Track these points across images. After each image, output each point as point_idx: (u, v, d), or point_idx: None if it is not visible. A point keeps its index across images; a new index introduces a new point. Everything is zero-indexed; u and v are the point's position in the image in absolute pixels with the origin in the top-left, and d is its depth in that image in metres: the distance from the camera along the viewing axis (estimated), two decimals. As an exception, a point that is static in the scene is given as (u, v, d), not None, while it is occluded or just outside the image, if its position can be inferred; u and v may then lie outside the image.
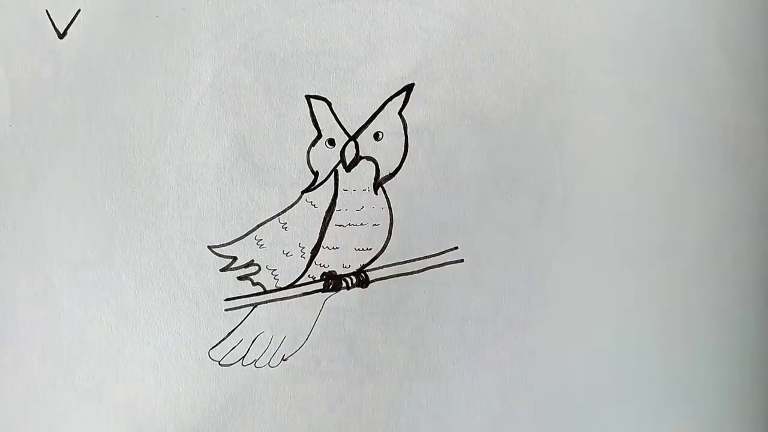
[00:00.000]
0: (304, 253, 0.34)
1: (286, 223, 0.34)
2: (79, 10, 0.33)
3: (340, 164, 0.34)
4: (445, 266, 0.34)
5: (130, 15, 0.33)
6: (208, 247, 0.34)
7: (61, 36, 0.33)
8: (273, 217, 0.34)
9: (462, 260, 0.34)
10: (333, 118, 0.34)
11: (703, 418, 0.35)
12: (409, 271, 0.34)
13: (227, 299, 0.34)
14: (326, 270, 0.34)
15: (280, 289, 0.34)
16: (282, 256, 0.34)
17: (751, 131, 0.34)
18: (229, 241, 0.34)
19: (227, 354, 0.34)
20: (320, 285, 0.34)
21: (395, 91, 0.33)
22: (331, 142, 0.34)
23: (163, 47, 0.33)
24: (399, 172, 0.34)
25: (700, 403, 0.35)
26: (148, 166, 0.34)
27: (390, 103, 0.34)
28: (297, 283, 0.34)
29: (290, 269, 0.34)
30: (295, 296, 0.34)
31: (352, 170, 0.34)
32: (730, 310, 0.35)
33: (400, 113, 0.34)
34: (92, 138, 0.33)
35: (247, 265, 0.34)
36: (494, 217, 0.34)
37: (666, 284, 0.35)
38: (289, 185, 0.34)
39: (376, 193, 0.34)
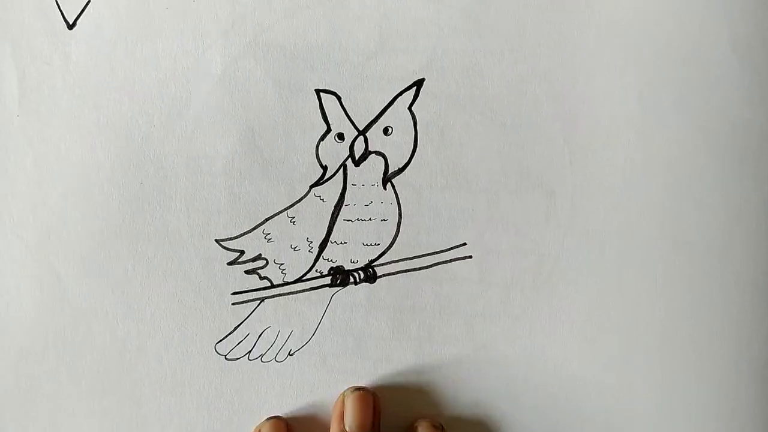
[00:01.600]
0: (312, 247, 0.34)
1: (294, 218, 0.34)
2: (88, 1, 0.33)
3: (349, 159, 0.34)
4: (454, 262, 0.34)
5: (140, 6, 0.33)
6: (216, 240, 0.34)
7: (71, 27, 0.33)
8: (281, 211, 0.34)
9: (470, 256, 0.34)
10: (342, 112, 0.33)
11: (708, 416, 0.35)
12: (417, 266, 0.34)
13: (234, 293, 0.34)
14: (334, 265, 0.34)
15: (288, 283, 0.34)
16: (290, 251, 0.34)
17: (759, 131, 0.34)
18: (237, 234, 0.34)
19: (233, 348, 0.34)
20: (328, 280, 0.34)
21: (405, 86, 0.33)
22: (341, 136, 0.34)
23: (173, 39, 0.33)
24: (408, 168, 0.34)
25: (705, 401, 0.35)
26: (156, 159, 0.33)
27: (400, 98, 0.33)
28: (304, 278, 0.34)
29: (298, 264, 0.34)
30: (303, 291, 0.34)
31: (361, 165, 0.34)
32: (737, 309, 0.35)
33: (410, 108, 0.34)
34: (100, 129, 0.33)
35: (254, 259, 0.34)
36: (503, 214, 0.34)
37: (673, 282, 0.34)
38: (298, 179, 0.34)
39: (384, 188, 0.34)
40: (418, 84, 0.33)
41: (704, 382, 0.35)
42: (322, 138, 0.34)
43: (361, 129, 0.34)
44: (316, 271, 0.34)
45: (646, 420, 0.35)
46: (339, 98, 0.33)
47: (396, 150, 0.34)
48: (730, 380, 0.35)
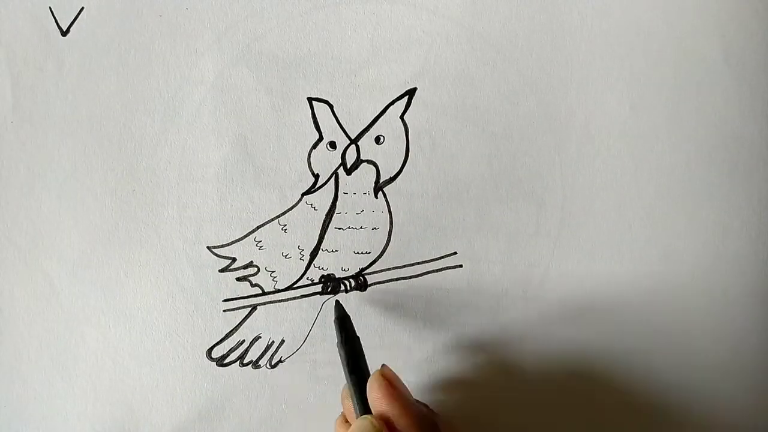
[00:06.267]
0: (303, 255, 0.34)
1: (285, 225, 0.34)
2: (82, 8, 0.33)
3: (341, 167, 0.34)
4: (444, 271, 0.34)
5: (133, 13, 0.33)
6: (208, 247, 0.34)
7: (64, 33, 0.33)
8: (273, 219, 0.34)
9: (461, 265, 0.34)
10: (334, 120, 0.34)
11: (702, 428, 0.35)
12: (408, 275, 0.34)
13: (226, 300, 0.34)
14: (325, 273, 0.34)
15: (279, 290, 0.34)
16: (281, 258, 0.34)
17: (751, 141, 0.34)
18: (229, 242, 0.34)
19: (225, 355, 0.34)
20: (319, 288, 0.34)
21: (397, 95, 0.33)
22: (333, 144, 0.34)
23: (166, 46, 0.33)
24: (399, 176, 0.34)
25: (697, 411, 0.35)
26: (148, 166, 0.34)
27: (392, 107, 0.34)
28: (295, 286, 0.34)
29: (289, 271, 0.34)
30: (294, 298, 0.34)
31: (353, 173, 0.34)
32: (727, 318, 0.35)
33: (401, 117, 0.34)
34: (93, 136, 0.33)
35: (246, 267, 0.34)
36: (493, 223, 0.34)
37: (663, 292, 0.35)
38: (290, 187, 0.34)
39: (376, 197, 0.34)
40: (410, 93, 0.33)
41: (695, 392, 0.35)
42: (314, 146, 0.34)
43: (352, 137, 0.34)
44: (307, 278, 0.34)
45: (638, 427, 0.35)
46: (331, 107, 0.33)
47: (387, 159, 0.34)
48: (722, 390, 0.35)
